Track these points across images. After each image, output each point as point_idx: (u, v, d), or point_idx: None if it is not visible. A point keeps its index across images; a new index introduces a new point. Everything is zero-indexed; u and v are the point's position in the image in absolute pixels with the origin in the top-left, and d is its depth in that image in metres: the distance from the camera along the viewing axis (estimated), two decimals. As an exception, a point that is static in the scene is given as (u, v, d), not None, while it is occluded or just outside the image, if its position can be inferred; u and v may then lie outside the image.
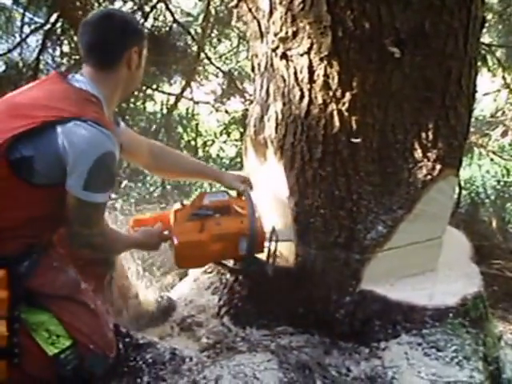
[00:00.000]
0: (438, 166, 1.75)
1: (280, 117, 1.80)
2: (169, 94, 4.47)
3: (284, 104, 1.77)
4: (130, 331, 1.73)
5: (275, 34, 1.66)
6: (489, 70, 4.76)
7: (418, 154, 1.72)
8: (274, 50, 1.70)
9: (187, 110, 4.56)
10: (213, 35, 4.48)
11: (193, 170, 1.89)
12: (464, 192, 4.39)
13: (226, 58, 4.95)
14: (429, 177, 1.75)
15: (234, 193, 1.88)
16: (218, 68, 4.58)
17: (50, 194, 1.36)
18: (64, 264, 1.49)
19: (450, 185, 1.83)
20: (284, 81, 1.72)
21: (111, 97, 1.48)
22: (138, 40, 1.49)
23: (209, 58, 4.49)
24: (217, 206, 1.68)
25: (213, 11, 4.17)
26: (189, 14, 4.61)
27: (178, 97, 4.38)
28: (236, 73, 4.68)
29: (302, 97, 1.68)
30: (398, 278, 1.86)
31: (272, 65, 1.76)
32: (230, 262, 1.87)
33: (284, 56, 1.66)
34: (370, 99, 1.62)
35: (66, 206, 1.36)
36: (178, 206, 1.79)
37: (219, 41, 4.67)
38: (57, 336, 1.39)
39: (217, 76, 4.62)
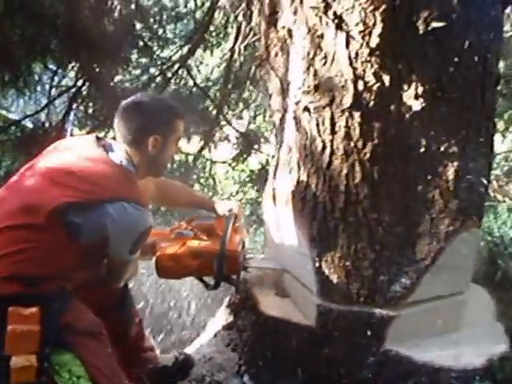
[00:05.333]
0: (461, 217, 1.74)
1: (302, 168, 1.84)
2: (187, 154, 4.58)
3: (306, 155, 1.80)
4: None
5: (298, 88, 1.73)
6: (497, 131, 4.86)
7: (440, 204, 1.72)
8: (296, 104, 1.76)
9: (204, 168, 4.66)
10: (231, 98, 4.66)
11: (192, 200, 2.10)
12: (482, 242, 4.33)
13: (242, 119, 5.13)
14: (451, 228, 1.74)
15: None
16: (235, 129, 4.73)
17: (88, 248, 1.45)
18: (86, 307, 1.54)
19: (473, 236, 1.82)
20: (306, 133, 1.76)
21: (139, 168, 1.62)
22: (161, 128, 1.61)
23: (227, 120, 4.66)
24: (202, 228, 1.89)
25: (231, 76, 4.35)
26: (208, 79, 4.85)
27: (196, 156, 4.49)
28: (252, 133, 4.82)
29: (323, 148, 1.71)
30: (423, 337, 1.81)
31: (294, 117, 1.81)
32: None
33: (306, 109, 1.71)
34: (391, 150, 1.64)
35: (110, 261, 1.53)
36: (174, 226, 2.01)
37: (237, 104, 4.85)
38: (77, 377, 1.38)
39: (235, 137, 4.77)
